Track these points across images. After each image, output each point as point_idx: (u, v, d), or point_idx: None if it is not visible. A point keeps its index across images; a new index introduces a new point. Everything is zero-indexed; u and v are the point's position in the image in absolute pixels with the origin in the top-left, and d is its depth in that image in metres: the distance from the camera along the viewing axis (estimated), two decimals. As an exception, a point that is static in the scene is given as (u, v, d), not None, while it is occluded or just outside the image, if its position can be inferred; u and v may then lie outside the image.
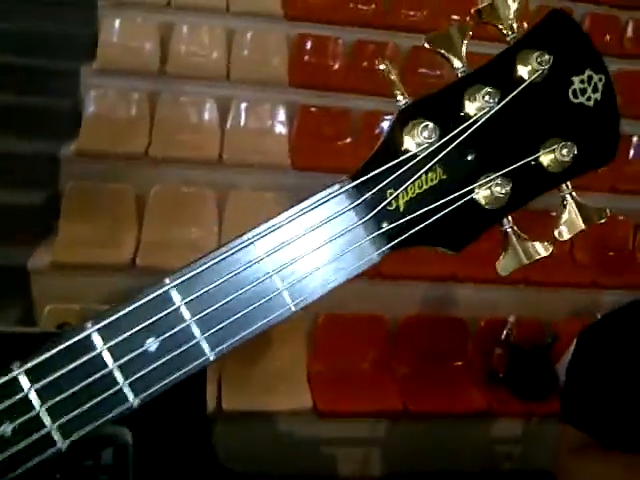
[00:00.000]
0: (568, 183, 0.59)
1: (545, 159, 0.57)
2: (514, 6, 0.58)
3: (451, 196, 0.55)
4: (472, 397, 3.50)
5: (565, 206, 0.59)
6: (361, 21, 4.71)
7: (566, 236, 0.59)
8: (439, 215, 0.55)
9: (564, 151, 0.57)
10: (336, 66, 4.63)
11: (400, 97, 0.56)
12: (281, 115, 4.26)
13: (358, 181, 0.54)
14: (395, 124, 0.55)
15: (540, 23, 0.58)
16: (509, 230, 0.59)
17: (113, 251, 3.50)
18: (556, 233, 0.59)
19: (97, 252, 3.44)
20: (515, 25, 0.58)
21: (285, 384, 3.31)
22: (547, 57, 0.56)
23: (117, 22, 4.38)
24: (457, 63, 0.57)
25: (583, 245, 4.08)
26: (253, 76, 4.35)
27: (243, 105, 4.24)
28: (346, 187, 0.53)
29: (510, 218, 0.59)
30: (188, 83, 4.23)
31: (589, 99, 0.59)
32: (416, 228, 0.54)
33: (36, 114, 3.90)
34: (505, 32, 0.58)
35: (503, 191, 0.56)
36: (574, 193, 0.59)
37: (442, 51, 0.57)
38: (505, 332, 3.70)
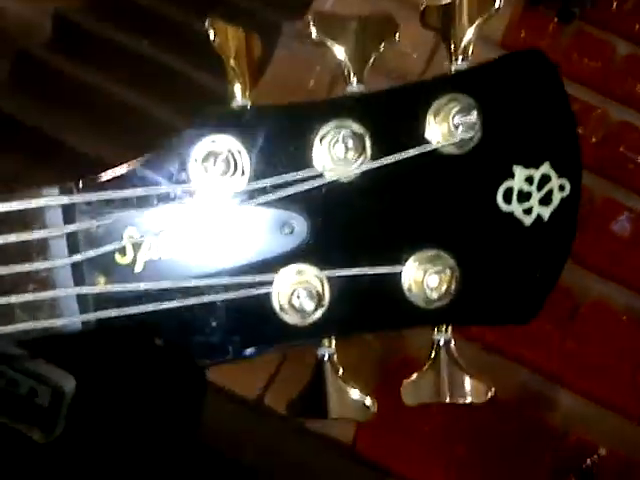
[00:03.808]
0: (443, 327, 0.36)
1: (407, 278, 0.34)
2: (478, 19, 0.35)
3: (223, 279, 0.33)
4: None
5: (431, 358, 0.36)
6: (578, 74, 4.28)
7: (409, 402, 0.36)
8: (189, 302, 0.33)
9: (435, 280, 0.33)
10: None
11: (237, 95, 0.35)
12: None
13: (87, 197, 0.31)
14: (192, 132, 0.33)
15: (500, 60, 0.35)
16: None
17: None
18: (402, 389, 0.36)
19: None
20: (470, 49, 0.35)
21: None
22: (473, 120, 0.33)
23: (334, -6, 4.33)
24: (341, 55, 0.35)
25: None
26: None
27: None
28: (65, 200, 0.31)
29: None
30: (381, 78, 4.10)
31: (528, 212, 0.34)
32: (145, 307, 0.32)
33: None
34: (452, 54, 0.36)
35: (308, 306, 0.33)
36: (452, 344, 0.36)
37: (328, 41, 0.35)
38: (589, 462, 3.22)
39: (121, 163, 0.34)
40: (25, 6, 3.48)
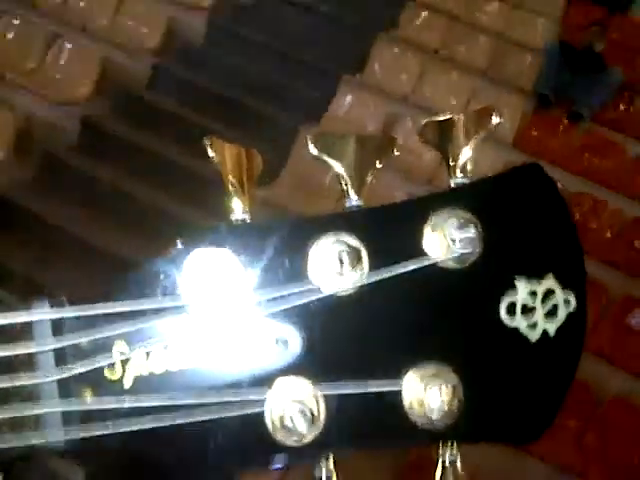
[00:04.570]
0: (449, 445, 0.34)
1: (407, 395, 0.33)
2: (476, 136, 0.35)
3: (214, 397, 0.31)
4: None
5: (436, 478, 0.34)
6: (591, 173, 4.33)
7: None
8: (180, 421, 0.31)
9: (437, 398, 0.32)
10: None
11: (236, 209, 0.35)
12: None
13: (77, 311, 0.31)
14: (187, 246, 0.33)
15: (499, 175, 0.35)
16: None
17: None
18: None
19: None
20: (469, 166, 0.35)
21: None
22: (471, 235, 0.32)
23: (349, 98, 4.49)
24: (345, 181, 0.35)
25: None
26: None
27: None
28: (55, 315, 0.31)
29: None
30: (395, 176, 4.17)
31: (533, 327, 0.33)
32: (133, 425, 0.31)
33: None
34: (451, 170, 0.35)
35: (302, 427, 0.31)
36: (459, 464, 0.34)
37: (327, 158, 0.35)
38: None
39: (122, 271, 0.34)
40: (52, 110, 3.62)
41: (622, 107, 4.56)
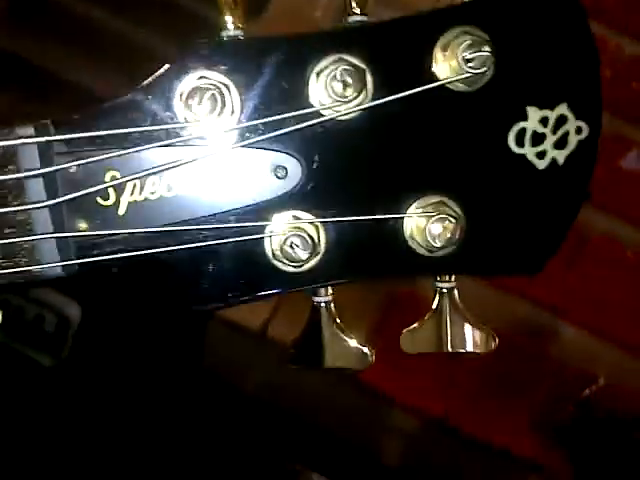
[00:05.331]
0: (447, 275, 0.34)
1: (409, 225, 0.32)
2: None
3: (211, 224, 0.31)
4: (522, 440, 3.14)
5: (434, 307, 0.35)
6: (589, 9, 4.13)
7: (409, 350, 0.35)
8: (176, 248, 0.31)
9: (438, 228, 0.31)
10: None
11: (228, 25, 0.32)
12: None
13: (65, 136, 0.29)
14: (177, 67, 0.30)
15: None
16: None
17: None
18: (401, 338, 0.35)
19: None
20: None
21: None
22: (484, 55, 0.30)
23: None
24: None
25: None
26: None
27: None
28: (42, 140, 0.29)
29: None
30: (393, 13, 3.97)
31: (542, 156, 0.32)
32: (129, 251, 0.30)
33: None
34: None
35: (302, 254, 0.31)
36: (456, 293, 0.34)
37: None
38: (587, 392, 3.26)
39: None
40: None
41: None
